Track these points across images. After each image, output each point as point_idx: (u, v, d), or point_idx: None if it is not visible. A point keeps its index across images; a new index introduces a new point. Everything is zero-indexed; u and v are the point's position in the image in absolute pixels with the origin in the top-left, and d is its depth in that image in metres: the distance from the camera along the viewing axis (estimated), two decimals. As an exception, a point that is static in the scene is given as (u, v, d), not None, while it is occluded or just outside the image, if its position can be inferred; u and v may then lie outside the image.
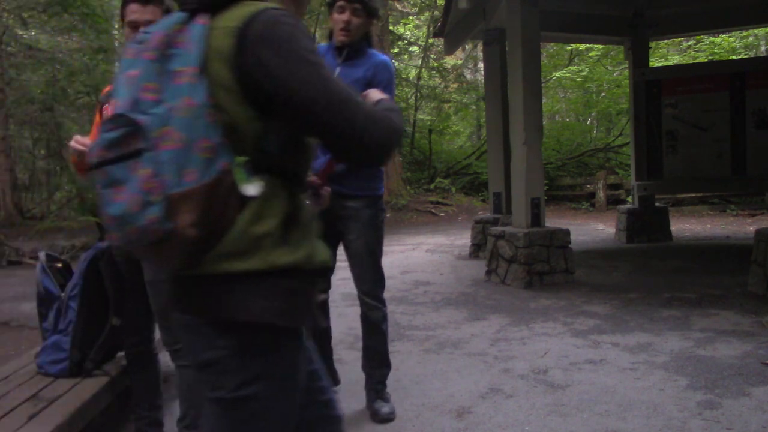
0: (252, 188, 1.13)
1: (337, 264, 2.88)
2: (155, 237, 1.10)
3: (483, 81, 8.68)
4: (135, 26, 2.29)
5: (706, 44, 15.20)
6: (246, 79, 1.13)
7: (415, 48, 19.15)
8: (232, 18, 1.16)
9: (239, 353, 1.20)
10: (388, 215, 9.96)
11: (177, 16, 1.18)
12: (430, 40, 17.53)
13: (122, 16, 2.36)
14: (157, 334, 2.64)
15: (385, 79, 2.80)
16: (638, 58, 8.66)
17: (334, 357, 3.41)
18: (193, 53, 1.13)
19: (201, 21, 1.16)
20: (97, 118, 2.48)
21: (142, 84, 1.12)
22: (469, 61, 20.95)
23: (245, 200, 1.13)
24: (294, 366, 1.26)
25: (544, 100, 14.59)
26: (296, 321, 1.22)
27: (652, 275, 6.25)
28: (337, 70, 2.77)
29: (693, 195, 12.61)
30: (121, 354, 2.79)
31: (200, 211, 1.09)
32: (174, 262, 1.16)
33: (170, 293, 1.26)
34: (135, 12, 2.27)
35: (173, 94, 1.11)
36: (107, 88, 2.53)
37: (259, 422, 1.24)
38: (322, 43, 2.92)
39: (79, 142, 2.20)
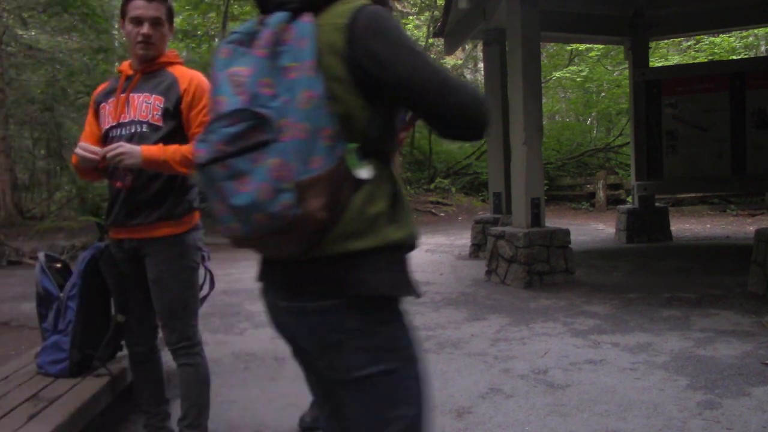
0: (364, 172, 1.23)
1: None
2: (286, 222, 1.17)
3: (483, 81, 8.70)
4: (139, 22, 2.30)
5: (706, 44, 15.20)
6: (357, 71, 1.22)
7: (415, 48, 19.11)
8: (338, 15, 1.24)
9: (366, 329, 1.26)
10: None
11: (280, 15, 1.23)
12: (430, 40, 17.53)
13: (123, 13, 2.35)
14: (159, 333, 2.64)
15: None
16: (638, 58, 8.66)
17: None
18: (305, 49, 1.20)
19: (306, 19, 1.23)
20: (91, 116, 2.45)
21: (257, 80, 1.18)
22: (469, 61, 20.96)
23: (358, 183, 1.22)
24: (411, 332, 1.33)
25: (544, 100, 14.59)
26: (407, 292, 1.30)
27: (652, 275, 6.25)
28: None
29: (693, 195, 12.62)
30: (121, 354, 2.80)
31: (327, 195, 1.17)
32: (297, 246, 1.22)
33: (281, 281, 1.31)
34: (140, 8, 2.28)
35: (287, 88, 1.18)
36: (101, 87, 2.50)
37: (400, 392, 1.29)
38: None
39: (88, 150, 2.20)
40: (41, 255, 2.76)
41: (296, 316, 1.30)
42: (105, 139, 2.36)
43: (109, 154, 2.18)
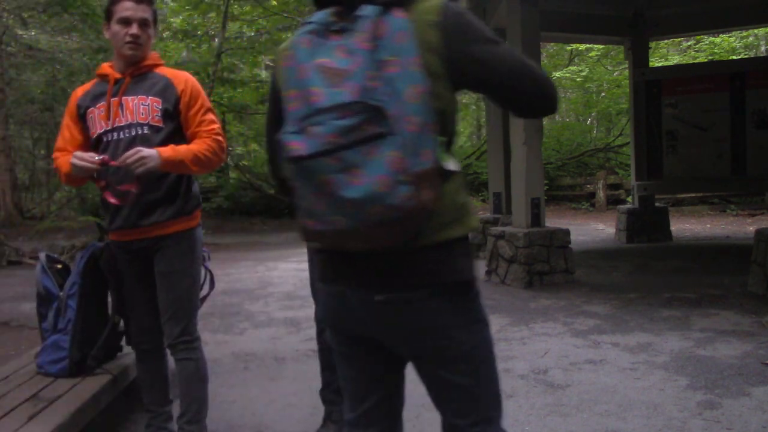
0: (452, 164, 1.30)
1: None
2: (403, 214, 1.19)
3: (483, 81, 8.75)
4: (127, 22, 2.30)
5: (706, 44, 15.20)
6: (452, 67, 1.28)
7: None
8: (426, 11, 1.29)
9: (461, 311, 1.35)
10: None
11: (374, 8, 1.25)
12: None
13: (110, 14, 2.34)
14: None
15: None
16: (638, 58, 8.66)
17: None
18: (405, 44, 1.23)
19: (399, 14, 1.26)
20: (71, 121, 2.39)
21: (365, 72, 1.19)
22: (469, 61, 20.91)
23: (447, 175, 1.28)
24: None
25: (544, 100, 14.58)
26: (477, 274, 1.43)
27: (652, 275, 6.25)
28: None
29: (693, 195, 12.62)
30: (122, 353, 2.80)
31: (437, 186, 1.23)
32: (401, 237, 1.25)
33: (374, 272, 1.32)
34: (129, 9, 2.29)
35: (387, 81, 1.20)
36: (82, 91, 2.42)
37: (490, 365, 1.42)
38: None
39: (85, 159, 2.18)
40: (42, 255, 2.76)
41: (396, 307, 1.32)
42: (98, 143, 2.34)
43: (129, 160, 2.17)
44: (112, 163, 2.23)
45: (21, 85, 13.25)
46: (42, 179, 15.92)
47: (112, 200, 2.29)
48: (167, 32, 13.61)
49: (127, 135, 2.30)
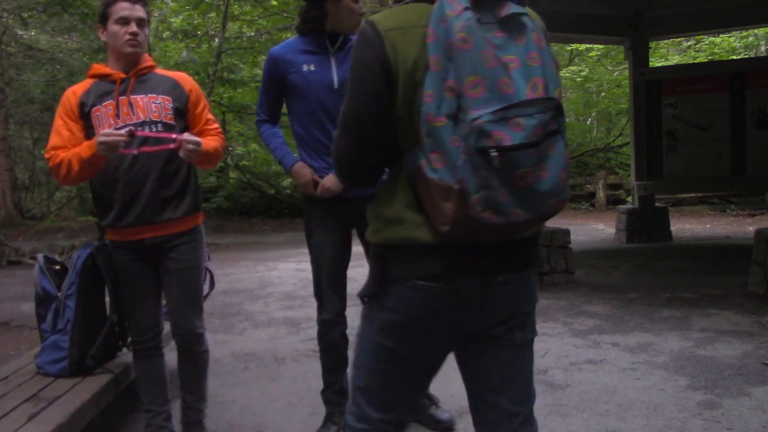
0: None
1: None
2: (564, 206, 1.32)
3: (483, 81, 8.72)
4: (125, 22, 2.35)
5: (706, 44, 15.19)
6: None
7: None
8: (538, 18, 1.37)
9: (536, 299, 1.51)
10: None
11: (518, 7, 1.28)
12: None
13: (106, 16, 2.38)
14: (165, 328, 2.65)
15: None
16: (638, 58, 8.65)
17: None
18: (544, 47, 1.30)
19: (534, 17, 1.34)
20: (70, 120, 2.36)
21: (546, 70, 1.26)
22: (469, 61, 20.91)
23: None
24: None
25: (544, 100, 14.57)
26: None
27: (652, 275, 6.25)
28: (331, 60, 2.56)
29: (693, 195, 12.60)
30: (121, 353, 2.79)
31: None
32: (535, 227, 1.40)
33: (500, 259, 1.38)
34: (126, 9, 2.35)
35: (550, 81, 1.27)
36: (81, 90, 2.40)
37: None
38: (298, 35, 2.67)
39: (113, 134, 2.19)
40: (40, 257, 2.76)
41: (513, 287, 1.41)
42: None
43: (189, 146, 2.25)
44: (138, 133, 2.27)
45: (21, 85, 13.25)
46: (42, 179, 15.91)
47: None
48: (167, 32, 13.61)
49: (141, 133, 2.34)
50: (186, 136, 2.30)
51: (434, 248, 1.32)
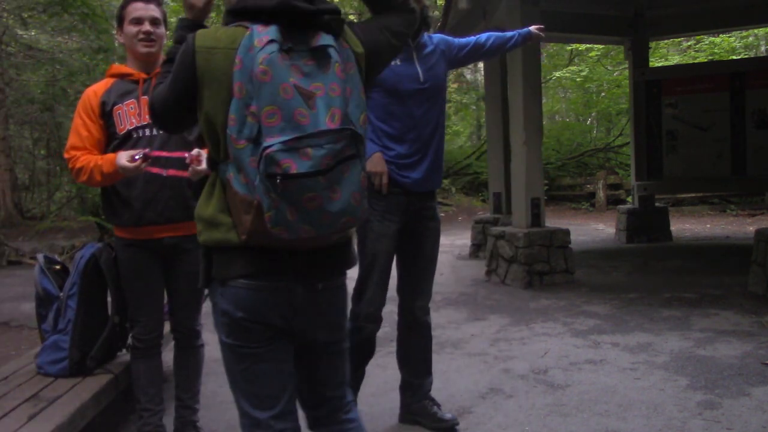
0: None
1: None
2: (360, 222, 1.43)
3: (483, 81, 8.70)
4: (139, 21, 2.39)
5: (706, 44, 15.17)
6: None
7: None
8: (356, 43, 1.58)
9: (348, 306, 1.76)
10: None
11: (330, 38, 1.42)
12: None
13: (121, 18, 2.41)
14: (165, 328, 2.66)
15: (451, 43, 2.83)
16: (638, 58, 8.65)
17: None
18: (353, 73, 1.49)
19: (344, 44, 1.52)
20: (89, 120, 2.38)
21: (344, 99, 1.40)
22: (469, 61, 20.88)
23: None
24: None
25: (544, 100, 14.56)
26: None
27: (652, 275, 6.25)
28: (414, 56, 2.67)
29: (693, 195, 12.60)
30: (122, 353, 2.79)
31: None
32: (340, 237, 1.51)
33: (317, 266, 1.51)
34: (139, 9, 2.39)
35: (352, 109, 1.42)
36: (102, 89, 2.42)
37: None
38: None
39: (132, 162, 2.20)
40: (40, 257, 2.76)
41: (331, 292, 1.56)
42: (126, 139, 2.37)
43: (200, 168, 2.22)
44: (152, 153, 2.27)
45: (21, 85, 13.23)
46: (42, 179, 15.90)
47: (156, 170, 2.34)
48: (167, 32, 13.58)
49: (161, 132, 2.35)
50: (196, 153, 2.26)
51: (245, 250, 1.45)
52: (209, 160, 1.53)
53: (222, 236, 1.46)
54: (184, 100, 1.49)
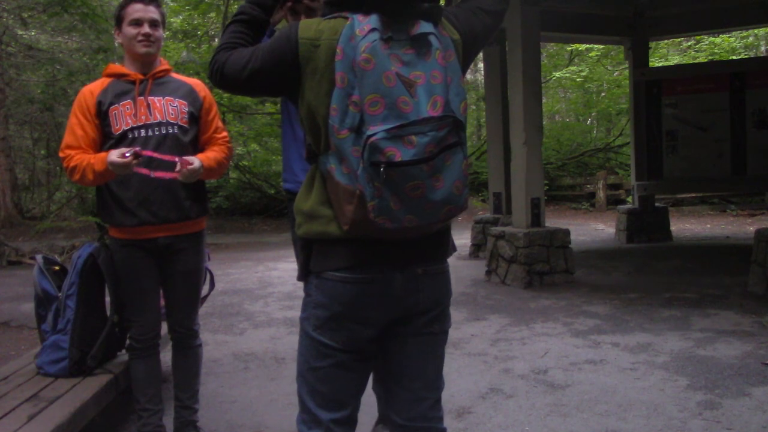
0: None
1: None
2: (461, 211, 1.41)
3: (483, 81, 8.70)
4: (138, 23, 2.39)
5: (706, 44, 15.17)
6: None
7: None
8: (452, 30, 1.56)
9: (451, 292, 1.63)
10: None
11: (429, 25, 1.41)
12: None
13: (120, 19, 2.41)
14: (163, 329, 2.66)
15: None
16: (638, 58, 8.66)
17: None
18: (453, 61, 1.46)
19: (443, 32, 1.50)
20: (84, 119, 2.37)
21: (446, 87, 1.38)
22: (469, 61, 20.87)
23: None
24: None
25: (544, 100, 14.58)
26: None
27: (652, 275, 6.25)
28: None
29: (693, 195, 12.60)
30: (121, 353, 2.79)
31: None
32: (441, 225, 1.48)
33: (416, 253, 1.49)
34: (139, 10, 2.39)
35: (453, 96, 1.40)
36: (98, 89, 2.41)
37: None
38: None
39: (123, 159, 2.21)
40: (39, 258, 2.76)
41: (432, 277, 1.53)
42: (121, 140, 2.37)
43: (191, 169, 2.28)
44: (143, 153, 2.27)
45: (21, 85, 13.24)
46: (42, 179, 15.90)
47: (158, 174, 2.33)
48: (167, 32, 13.59)
49: (158, 133, 2.38)
50: (187, 158, 2.31)
51: (345, 242, 1.43)
52: (308, 152, 1.50)
53: (322, 228, 1.45)
54: (275, 78, 1.47)
